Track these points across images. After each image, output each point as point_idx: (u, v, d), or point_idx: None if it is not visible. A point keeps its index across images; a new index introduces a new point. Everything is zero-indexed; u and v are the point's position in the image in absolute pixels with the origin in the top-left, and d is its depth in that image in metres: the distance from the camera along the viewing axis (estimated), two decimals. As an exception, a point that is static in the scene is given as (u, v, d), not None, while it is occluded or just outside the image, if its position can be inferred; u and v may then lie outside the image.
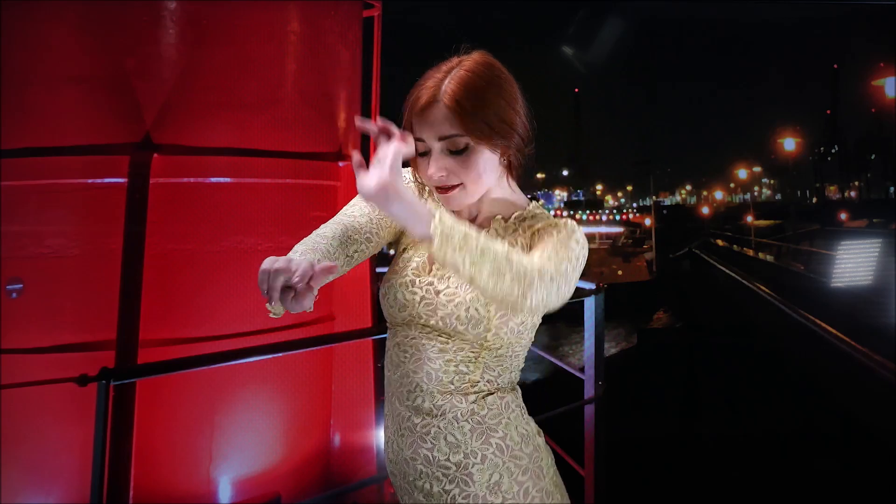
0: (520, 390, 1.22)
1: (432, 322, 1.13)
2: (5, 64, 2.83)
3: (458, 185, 1.12)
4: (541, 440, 1.19)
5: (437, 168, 1.11)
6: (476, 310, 1.10)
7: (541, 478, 1.13)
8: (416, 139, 1.10)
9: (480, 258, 0.94)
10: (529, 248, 1.14)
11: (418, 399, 1.14)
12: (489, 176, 1.14)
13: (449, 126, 1.08)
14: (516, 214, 1.21)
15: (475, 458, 1.10)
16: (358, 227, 1.15)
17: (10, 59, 2.84)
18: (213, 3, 2.90)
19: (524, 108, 1.16)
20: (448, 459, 1.11)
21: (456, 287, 1.12)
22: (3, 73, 2.82)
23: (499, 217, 1.20)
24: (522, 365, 1.22)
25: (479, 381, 1.14)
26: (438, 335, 1.14)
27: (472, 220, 1.22)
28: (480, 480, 1.10)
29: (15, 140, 2.79)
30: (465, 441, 1.11)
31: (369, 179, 0.93)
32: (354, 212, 1.18)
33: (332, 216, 1.20)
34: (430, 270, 1.16)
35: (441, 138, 1.09)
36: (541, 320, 1.21)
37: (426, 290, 1.14)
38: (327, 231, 1.12)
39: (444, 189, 1.12)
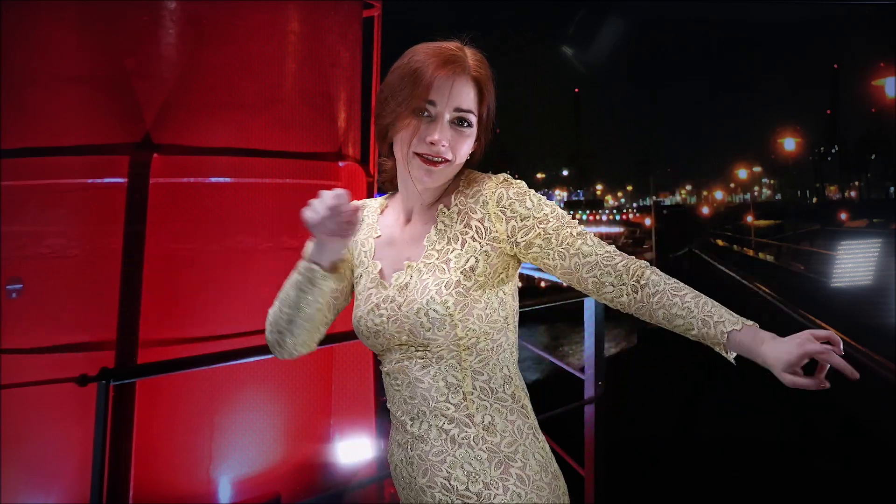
0: (530, 409, 1.16)
1: (404, 338, 1.09)
2: (5, 64, 2.83)
3: (447, 161, 1.07)
4: (555, 465, 1.15)
5: (443, 137, 1.06)
6: (434, 310, 1.05)
7: None
8: (427, 101, 1.05)
9: None
10: (490, 221, 1.09)
11: (423, 425, 1.10)
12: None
13: (468, 101, 1.07)
14: (455, 193, 1.14)
15: (497, 489, 1.05)
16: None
17: (10, 59, 2.84)
18: (213, 3, 2.90)
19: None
20: (468, 489, 1.06)
21: (412, 292, 1.08)
22: (3, 73, 2.82)
23: (441, 207, 1.13)
24: (514, 360, 1.16)
25: (473, 392, 1.09)
26: (416, 350, 1.09)
27: (409, 219, 1.16)
28: None
29: (15, 140, 2.79)
30: (483, 470, 1.06)
31: None
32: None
33: None
34: (387, 283, 1.12)
35: (458, 109, 1.07)
36: (518, 305, 1.16)
37: (389, 308, 1.10)
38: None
39: (434, 162, 1.07)
